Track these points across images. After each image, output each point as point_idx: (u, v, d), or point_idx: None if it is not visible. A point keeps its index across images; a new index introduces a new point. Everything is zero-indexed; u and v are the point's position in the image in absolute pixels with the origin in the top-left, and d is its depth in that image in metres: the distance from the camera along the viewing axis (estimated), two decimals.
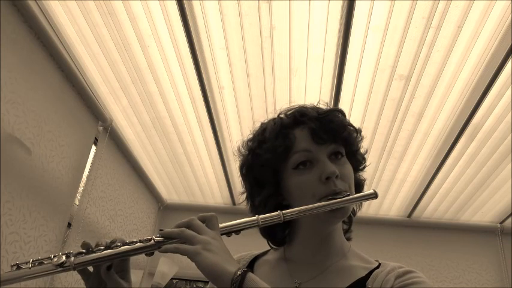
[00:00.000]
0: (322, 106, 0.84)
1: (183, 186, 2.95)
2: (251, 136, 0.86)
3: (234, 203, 3.06)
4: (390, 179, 2.59)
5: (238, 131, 2.27)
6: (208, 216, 0.69)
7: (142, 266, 2.88)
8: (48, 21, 1.66)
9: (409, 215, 2.95)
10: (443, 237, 2.97)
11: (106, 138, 2.17)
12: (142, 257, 2.84)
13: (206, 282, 0.80)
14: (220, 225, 0.70)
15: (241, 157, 0.86)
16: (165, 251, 0.65)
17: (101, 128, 2.16)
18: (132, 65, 1.89)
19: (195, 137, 2.36)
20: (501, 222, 2.88)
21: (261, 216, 0.72)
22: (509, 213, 2.72)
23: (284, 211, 0.72)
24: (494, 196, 2.60)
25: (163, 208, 3.09)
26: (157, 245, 0.66)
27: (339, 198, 0.73)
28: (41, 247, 1.69)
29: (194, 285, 2.99)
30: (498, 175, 2.38)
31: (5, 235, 1.47)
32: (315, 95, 1.95)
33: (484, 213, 2.82)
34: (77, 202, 2.04)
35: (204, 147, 2.44)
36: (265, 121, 0.86)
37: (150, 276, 2.83)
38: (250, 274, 0.61)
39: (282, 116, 0.84)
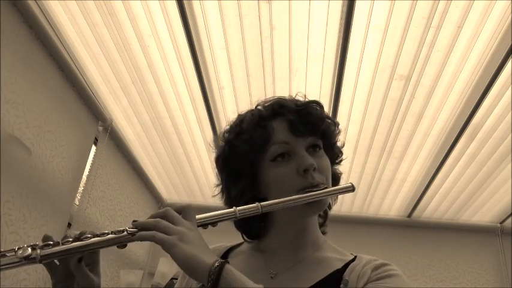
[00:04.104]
0: (300, 98, 0.84)
1: (183, 186, 2.95)
2: (228, 127, 0.85)
3: None
4: (390, 179, 2.59)
5: None
6: (184, 206, 0.66)
7: (142, 266, 2.88)
8: (48, 21, 1.66)
9: (409, 215, 2.95)
10: (443, 237, 2.96)
11: (106, 138, 2.17)
12: (142, 256, 2.85)
13: None
14: (197, 216, 0.67)
15: (217, 148, 0.85)
16: (141, 239, 0.61)
17: (101, 128, 2.16)
18: (132, 65, 1.89)
19: (195, 137, 2.36)
20: (501, 222, 2.88)
21: (238, 208, 0.69)
22: (509, 213, 2.72)
23: (262, 203, 0.71)
24: (494, 196, 2.60)
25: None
26: (131, 237, 0.63)
27: (316, 191, 0.73)
28: None
29: None
30: (498, 175, 2.38)
31: (5, 235, 1.47)
32: (315, 95, 1.95)
33: (484, 213, 2.82)
34: (77, 202, 2.04)
35: (204, 147, 2.44)
36: (243, 112, 0.84)
37: (150, 276, 2.83)
38: (228, 265, 0.59)
39: (259, 107, 0.83)
